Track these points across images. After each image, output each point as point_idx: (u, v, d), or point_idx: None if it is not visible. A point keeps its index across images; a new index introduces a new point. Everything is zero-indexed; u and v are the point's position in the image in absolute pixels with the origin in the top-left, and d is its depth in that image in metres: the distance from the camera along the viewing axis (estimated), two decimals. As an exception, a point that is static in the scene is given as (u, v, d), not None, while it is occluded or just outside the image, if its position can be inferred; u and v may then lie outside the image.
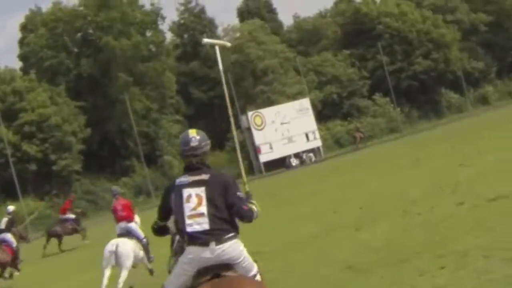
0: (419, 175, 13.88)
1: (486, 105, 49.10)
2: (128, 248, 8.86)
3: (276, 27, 48.16)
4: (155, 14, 36.87)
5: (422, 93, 48.11)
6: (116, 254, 8.68)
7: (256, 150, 39.01)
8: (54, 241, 18.08)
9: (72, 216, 18.51)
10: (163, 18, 37.12)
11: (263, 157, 39.04)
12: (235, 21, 47.99)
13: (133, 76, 35.76)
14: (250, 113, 39.00)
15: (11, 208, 14.45)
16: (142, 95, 36.44)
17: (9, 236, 13.63)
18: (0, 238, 13.57)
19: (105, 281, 8.55)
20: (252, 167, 39.36)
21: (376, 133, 43.53)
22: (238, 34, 43.06)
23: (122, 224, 9.34)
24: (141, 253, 9.19)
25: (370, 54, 47.11)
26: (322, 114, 43.00)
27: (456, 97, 48.91)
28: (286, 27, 53.18)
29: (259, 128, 39.35)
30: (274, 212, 13.63)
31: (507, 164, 11.40)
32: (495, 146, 15.21)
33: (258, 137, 39.05)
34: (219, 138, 39.66)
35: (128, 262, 8.72)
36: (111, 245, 8.78)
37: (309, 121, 40.86)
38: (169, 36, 43.49)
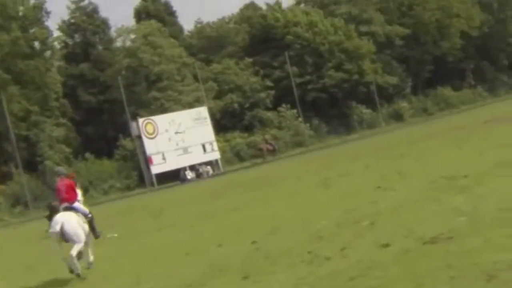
0: (329, 199, 13.86)
1: (400, 122, 57.83)
2: (74, 224, 10.99)
3: (176, 32, 54.65)
4: (39, 9, 41.95)
5: (332, 107, 55.99)
6: (63, 233, 10.75)
7: (148, 161, 43.84)
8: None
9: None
10: (48, 14, 42.23)
11: (155, 169, 43.86)
12: (131, 22, 53.84)
13: (12, 74, 40.47)
14: (141, 120, 44.14)
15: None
16: (22, 96, 41.13)
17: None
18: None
19: (61, 252, 10.94)
20: (143, 179, 44.53)
21: (281, 147, 50.34)
22: (133, 36, 48.97)
23: (65, 204, 11.50)
24: (86, 227, 11.41)
25: (277, 64, 54.36)
26: (221, 125, 49.39)
27: (368, 112, 57.13)
28: (187, 32, 60.12)
29: (151, 136, 44.42)
30: (147, 242, 13.68)
31: (439, 190, 10.96)
32: (417, 167, 15.84)
33: (150, 146, 44.04)
34: (108, 145, 45.33)
35: (78, 238, 10.90)
36: (55, 224, 10.84)
37: (206, 131, 46.65)
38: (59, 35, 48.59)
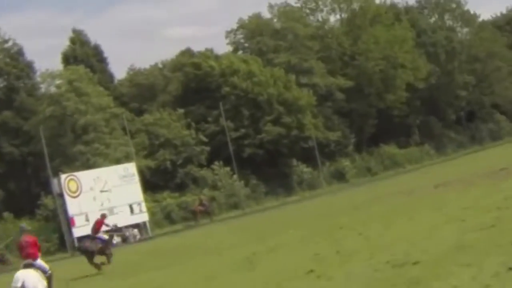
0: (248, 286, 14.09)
1: (343, 182, 63.59)
2: (35, 281, 12.93)
3: (106, 79, 58.67)
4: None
5: (271, 164, 60.98)
6: None
7: (70, 222, 46.35)
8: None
9: (105, 236, 27.44)
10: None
11: (78, 231, 45.44)
12: (59, 66, 57.16)
13: None
14: (63, 176, 46.73)
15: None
16: None
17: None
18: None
19: None
20: (64, 243, 47.23)
21: (214, 209, 54.48)
22: (58, 81, 52.34)
23: (27, 261, 13.79)
24: (45, 284, 13.40)
25: (212, 117, 59.08)
26: (151, 183, 53.19)
27: (309, 171, 62.46)
28: (118, 80, 64.31)
29: (74, 195, 46.91)
30: None
31: (383, 282, 10.85)
32: (360, 244, 15.84)
33: (72, 206, 46.48)
34: (31, 203, 47.92)
35: None
36: (16, 281, 12.66)
37: (134, 190, 49.96)
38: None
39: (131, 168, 50.47)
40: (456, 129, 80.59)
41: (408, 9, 79.36)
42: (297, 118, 60.59)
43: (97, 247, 26.22)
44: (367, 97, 68.50)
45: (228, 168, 57.47)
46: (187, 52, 65.80)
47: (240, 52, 67.46)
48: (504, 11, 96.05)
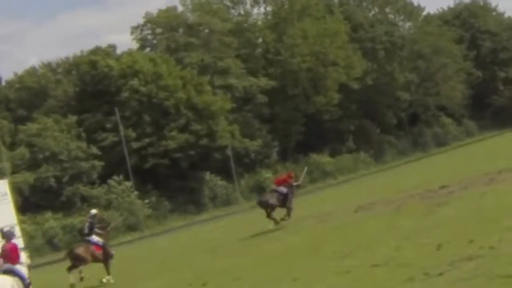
0: None
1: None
2: (6, 285, 14.39)
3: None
4: None
5: (178, 178, 55.66)
6: None
7: None
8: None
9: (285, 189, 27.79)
10: None
11: None
12: None
13: None
14: None
15: (93, 211, 24.16)
16: None
17: (93, 237, 22.78)
18: (87, 241, 22.80)
19: None
20: None
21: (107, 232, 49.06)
22: None
23: (7, 266, 15.44)
24: None
25: (112, 124, 53.58)
26: (30, 203, 47.74)
27: (223, 184, 57.22)
28: (7, 82, 58.67)
29: None
30: None
31: None
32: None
33: None
34: None
35: None
36: None
37: (5, 212, 44.73)
38: None
39: (2, 186, 45.39)
40: (397, 134, 76.19)
41: (343, 1, 74.42)
42: (208, 125, 55.21)
43: (277, 201, 27.32)
44: (293, 99, 63.44)
45: (129, 183, 52.16)
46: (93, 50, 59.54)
47: (148, 50, 61.77)
48: (452, 5, 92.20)
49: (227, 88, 58.98)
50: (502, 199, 19.12)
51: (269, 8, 66.88)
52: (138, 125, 54.49)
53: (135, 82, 54.49)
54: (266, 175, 60.53)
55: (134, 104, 54.39)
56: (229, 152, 57.29)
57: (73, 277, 22.66)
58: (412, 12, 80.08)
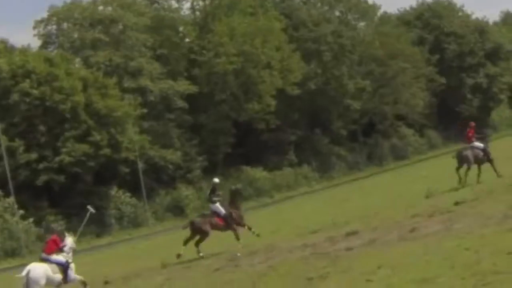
0: None
1: (181, 217, 51.69)
2: (39, 272, 17.36)
3: None
4: None
5: (78, 195, 49.20)
6: (27, 278, 17.04)
7: None
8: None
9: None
10: None
11: None
12: None
13: None
14: None
15: (217, 180, 24.97)
16: None
17: (216, 206, 23.35)
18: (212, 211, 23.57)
19: None
20: None
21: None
22: None
23: (44, 255, 18.04)
24: (58, 276, 17.78)
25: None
26: None
27: (133, 202, 51.18)
28: None
29: None
30: None
31: None
32: None
33: None
34: None
35: (37, 286, 17.23)
36: (24, 270, 17.23)
37: None
38: None
39: None
40: (349, 146, 69.90)
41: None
42: (109, 134, 48.76)
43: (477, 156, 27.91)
44: (221, 106, 57.05)
45: (11, 200, 45.83)
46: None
47: (52, 48, 55.40)
48: (414, 5, 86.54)
49: (139, 91, 52.45)
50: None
51: (196, 3, 60.50)
52: (29, 132, 48.21)
53: (26, 84, 48.12)
54: (186, 192, 54.18)
55: (24, 108, 47.99)
56: (139, 165, 50.84)
57: None
58: (367, 11, 74.18)
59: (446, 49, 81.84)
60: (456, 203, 20.95)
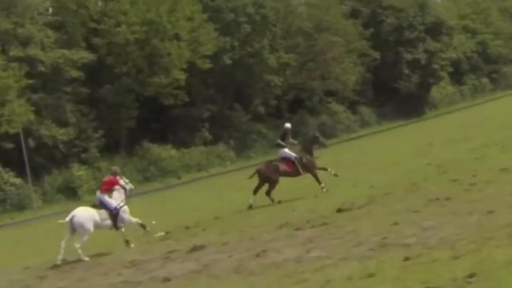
0: None
1: (74, 200, 48.58)
2: (84, 217, 19.20)
3: None
4: None
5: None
6: (72, 223, 19.01)
7: None
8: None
9: None
10: None
11: None
12: None
13: None
14: None
15: (288, 124, 26.15)
16: None
17: (285, 151, 24.98)
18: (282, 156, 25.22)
19: (63, 244, 18.83)
20: None
21: None
22: None
23: (99, 195, 20.26)
24: (107, 222, 19.76)
25: None
26: None
27: (18, 183, 48.49)
28: None
29: None
30: None
31: None
32: None
33: None
34: None
35: (83, 230, 19.02)
36: (69, 215, 19.19)
37: None
38: None
39: None
40: (273, 123, 66.84)
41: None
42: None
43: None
44: (121, 78, 53.82)
45: None
46: None
47: None
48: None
49: (26, 61, 49.02)
50: None
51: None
52: None
53: None
54: (79, 172, 51.00)
55: None
56: (21, 141, 47.61)
57: None
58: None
59: (383, 23, 79.08)
60: (339, 210, 18.31)
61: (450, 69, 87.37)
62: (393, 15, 79.56)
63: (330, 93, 73.10)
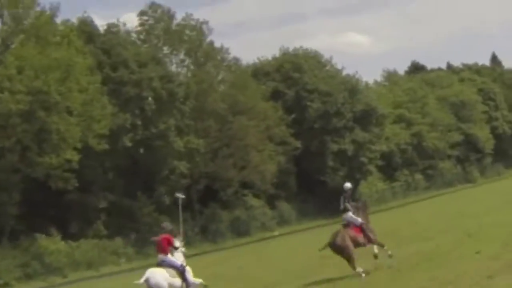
0: None
1: None
2: (160, 279, 20.60)
3: None
4: None
5: None
6: (148, 285, 20.36)
7: None
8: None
9: None
10: None
11: None
12: None
13: None
14: None
15: (349, 184, 26.84)
16: None
17: (350, 215, 25.53)
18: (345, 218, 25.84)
19: None
20: None
21: None
22: None
23: (161, 256, 21.57)
24: (178, 281, 21.10)
25: None
26: None
27: None
28: None
29: None
30: None
31: None
32: None
33: None
34: None
35: None
36: (143, 277, 20.48)
37: None
38: None
39: None
40: (172, 217, 64.81)
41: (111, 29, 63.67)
42: None
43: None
44: (5, 156, 51.54)
45: None
46: None
47: None
48: (277, 54, 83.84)
49: None
50: None
51: None
52: None
53: None
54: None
55: None
56: None
57: None
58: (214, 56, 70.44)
59: (308, 108, 78.86)
60: None
61: (380, 163, 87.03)
62: (319, 100, 79.36)
63: (246, 185, 71.83)
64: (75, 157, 53.74)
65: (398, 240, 33.88)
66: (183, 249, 22.26)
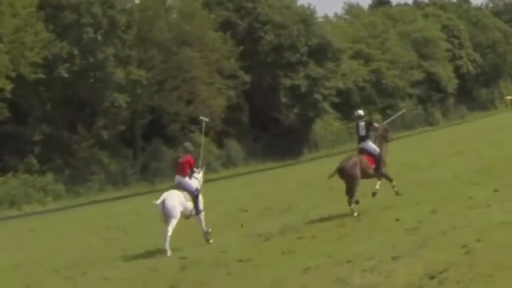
0: None
1: None
2: (175, 201, 21.71)
3: None
4: None
5: None
6: (163, 206, 21.51)
7: None
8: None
9: None
10: None
11: None
12: None
13: None
14: None
15: (361, 112, 26.25)
16: None
17: (370, 144, 25.19)
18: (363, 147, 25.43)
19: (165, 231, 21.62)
20: None
21: None
22: None
23: (178, 179, 22.37)
24: (190, 205, 22.11)
25: None
26: None
27: None
28: None
29: None
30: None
31: None
32: None
33: None
34: None
35: (174, 213, 21.59)
36: (160, 199, 21.58)
37: None
38: None
39: None
40: (121, 153, 64.85)
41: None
42: None
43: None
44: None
45: None
46: None
47: None
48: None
49: None
50: None
51: None
52: None
53: None
54: None
55: None
56: None
57: None
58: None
59: (260, 40, 78.39)
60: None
61: (337, 100, 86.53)
62: (272, 32, 78.89)
63: (194, 121, 71.35)
64: (8, 86, 53.36)
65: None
66: (200, 175, 22.81)
